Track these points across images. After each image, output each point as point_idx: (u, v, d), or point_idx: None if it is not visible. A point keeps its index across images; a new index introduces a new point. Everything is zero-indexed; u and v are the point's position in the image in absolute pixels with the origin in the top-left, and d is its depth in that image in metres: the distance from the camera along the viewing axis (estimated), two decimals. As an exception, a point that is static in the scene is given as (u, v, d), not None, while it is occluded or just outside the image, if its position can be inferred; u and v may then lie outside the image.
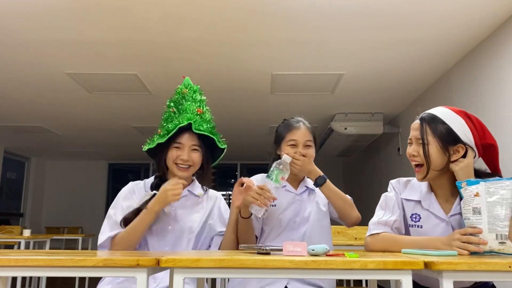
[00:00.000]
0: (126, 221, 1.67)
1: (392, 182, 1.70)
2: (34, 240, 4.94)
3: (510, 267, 1.03)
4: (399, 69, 4.26)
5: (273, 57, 3.96)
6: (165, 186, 1.66)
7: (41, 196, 9.68)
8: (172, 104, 1.83)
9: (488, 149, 1.54)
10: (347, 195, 1.87)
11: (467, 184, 1.37)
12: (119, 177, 10.03)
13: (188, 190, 1.83)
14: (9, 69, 4.24)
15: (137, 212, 1.66)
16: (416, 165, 1.55)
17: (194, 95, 1.83)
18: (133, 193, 1.80)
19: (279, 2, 3.03)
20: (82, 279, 5.63)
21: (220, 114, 5.79)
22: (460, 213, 1.46)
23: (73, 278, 5.70)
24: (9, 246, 4.99)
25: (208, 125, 1.81)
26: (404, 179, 1.70)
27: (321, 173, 1.80)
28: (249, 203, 1.63)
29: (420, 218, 1.56)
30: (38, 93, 4.97)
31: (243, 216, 1.70)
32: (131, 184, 1.85)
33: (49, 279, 5.49)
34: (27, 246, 4.74)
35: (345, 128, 5.72)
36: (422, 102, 4.98)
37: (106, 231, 1.68)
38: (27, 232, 4.75)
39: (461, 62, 3.99)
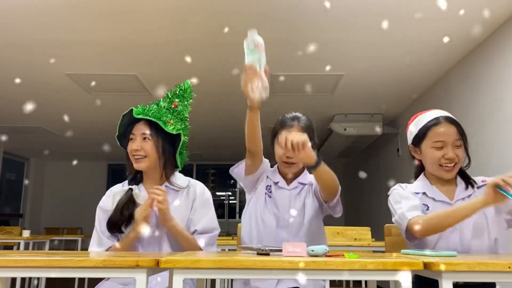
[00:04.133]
0: (111, 225, 1.71)
1: (394, 186, 1.75)
2: (34, 241, 4.93)
3: (510, 267, 1.03)
4: (399, 70, 4.25)
5: (272, 57, 3.94)
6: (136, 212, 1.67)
7: (41, 197, 9.67)
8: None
9: None
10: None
11: None
12: (118, 178, 9.93)
13: (165, 185, 1.78)
14: (9, 69, 4.24)
15: (119, 212, 1.71)
16: (448, 166, 1.64)
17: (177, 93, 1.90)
18: (111, 199, 1.81)
19: (279, 3, 3.03)
20: (81, 280, 5.62)
21: (219, 116, 5.79)
22: (463, 198, 1.62)
23: (73, 279, 5.69)
24: (9, 247, 4.98)
25: (169, 114, 1.80)
26: (403, 184, 1.77)
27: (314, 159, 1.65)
28: (247, 88, 1.67)
29: (429, 207, 1.66)
30: (38, 94, 4.96)
31: (251, 107, 1.73)
32: (109, 192, 1.87)
33: (49, 280, 5.47)
34: (26, 247, 4.73)
35: (345, 129, 5.71)
36: (421, 102, 4.98)
37: (94, 246, 1.73)
38: (26, 233, 4.74)
39: (460, 63, 3.99)
